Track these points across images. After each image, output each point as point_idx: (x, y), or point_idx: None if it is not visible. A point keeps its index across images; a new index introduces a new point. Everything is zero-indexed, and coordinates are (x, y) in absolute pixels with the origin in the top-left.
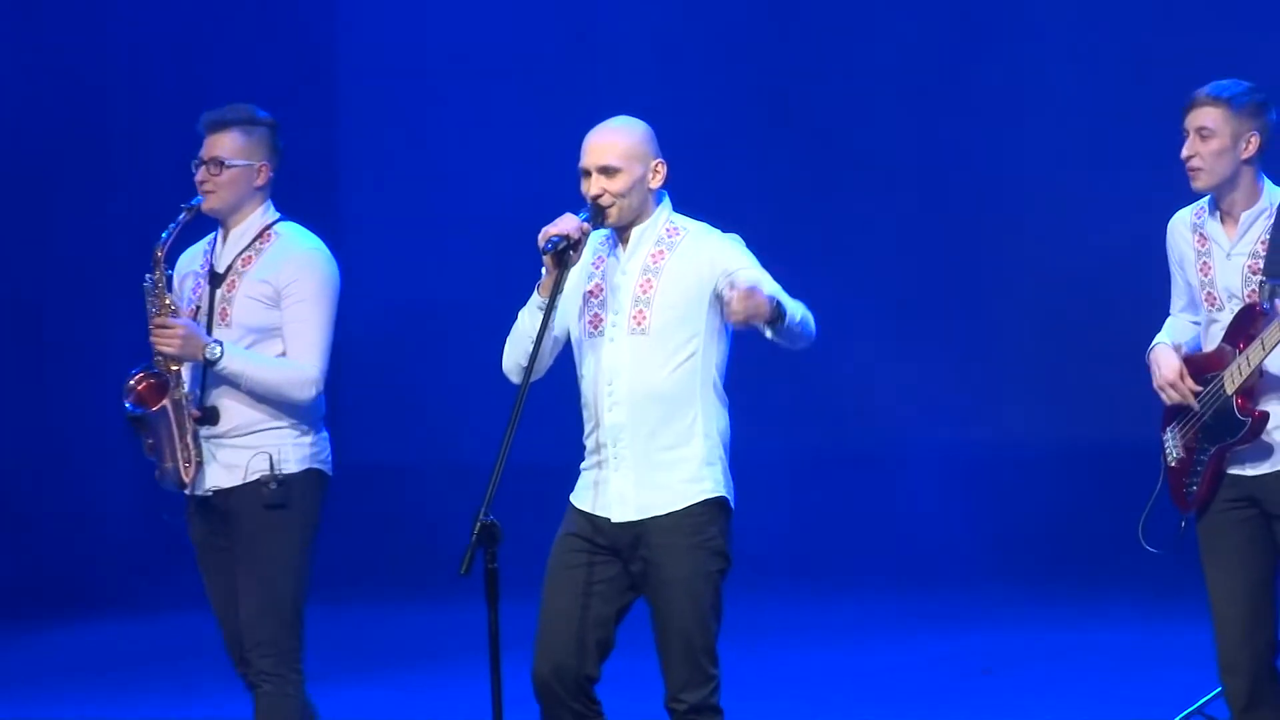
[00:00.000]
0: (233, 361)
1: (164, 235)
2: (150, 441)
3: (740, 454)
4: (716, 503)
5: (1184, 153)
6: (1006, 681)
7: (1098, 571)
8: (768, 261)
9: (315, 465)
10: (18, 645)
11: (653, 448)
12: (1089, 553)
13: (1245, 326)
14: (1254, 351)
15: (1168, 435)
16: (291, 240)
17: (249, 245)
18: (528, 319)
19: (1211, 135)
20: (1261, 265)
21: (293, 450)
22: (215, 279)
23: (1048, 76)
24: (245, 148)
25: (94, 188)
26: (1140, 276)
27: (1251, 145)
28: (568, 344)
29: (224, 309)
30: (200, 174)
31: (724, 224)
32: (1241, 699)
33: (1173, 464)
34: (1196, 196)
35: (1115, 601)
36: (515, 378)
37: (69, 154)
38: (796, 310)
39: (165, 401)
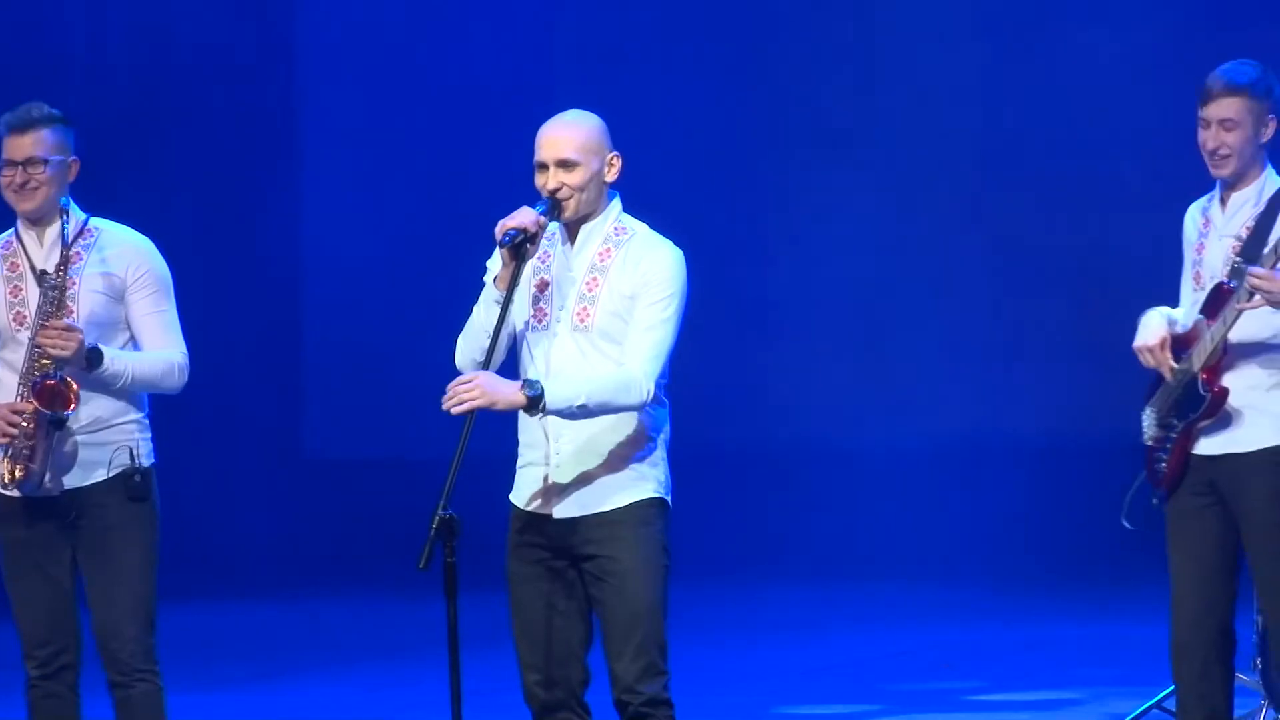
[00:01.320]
0: (114, 362)
1: (66, 238)
2: (29, 443)
3: (697, 449)
4: (659, 502)
5: (1209, 144)
6: (966, 675)
7: (1060, 565)
8: (729, 257)
9: (154, 459)
10: None
11: (595, 446)
12: (1050, 546)
13: (1217, 304)
14: (1217, 328)
15: (1146, 413)
16: (118, 234)
17: (72, 242)
18: (483, 312)
19: (1235, 126)
20: (1241, 246)
21: (144, 444)
22: (43, 277)
23: (1025, 76)
24: (59, 144)
25: None
26: (1114, 273)
27: (1270, 129)
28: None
29: (69, 306)
30: (19, 175)
31: (687, 216)
32: (1194, 691)
33: (1149, 442)
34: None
35: (1075, 595)
36: (467, 370)
37: None
38: (577, 395)
39: (74, 405)
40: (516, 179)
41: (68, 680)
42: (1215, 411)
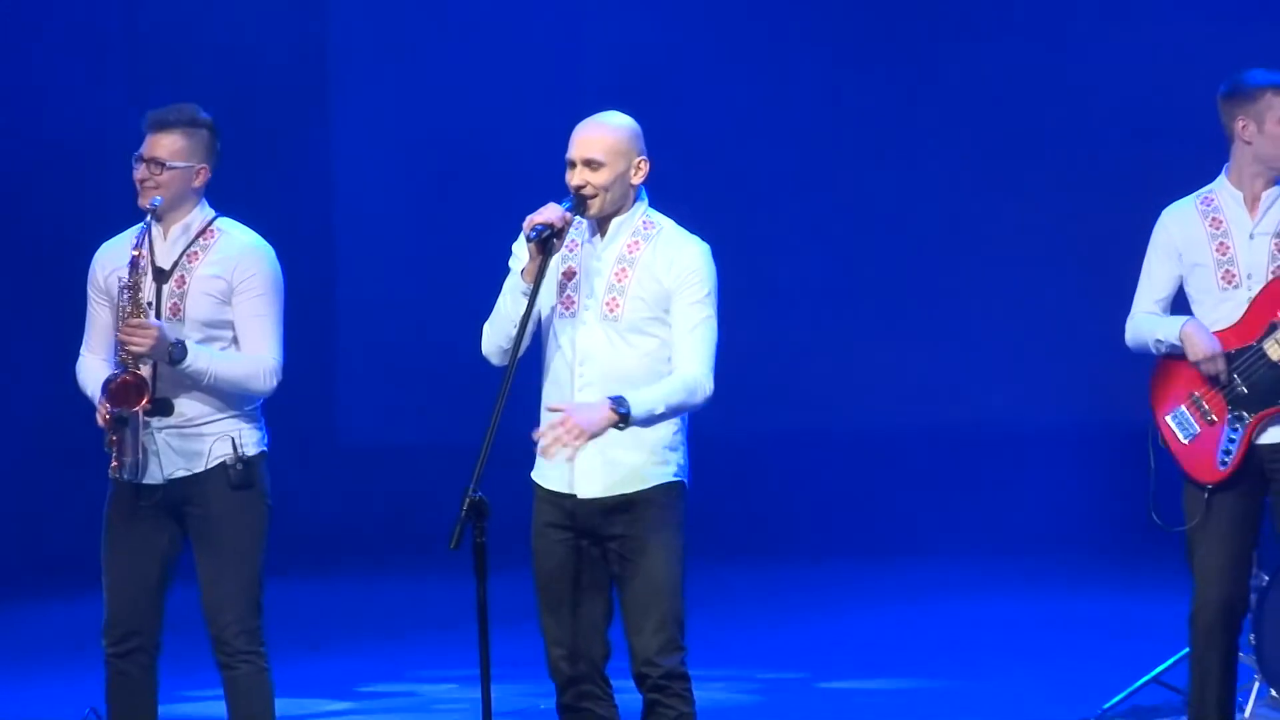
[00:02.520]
0: (197, 360)
1: (140, 237)
2: (114, 437)
3: (723, 432)
4: (679, 485)
5: (1271, 143)
6: (981, 646)
7: (1073, 546)
8: (751, 242)
9: (264, 448)
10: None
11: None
12: (1062, 528)
13: (1278, 298)
14: None
15: (1174, 416)
16: (237, 236)
17: (193, 242)
18: (509, 301)
19: (1268, 121)
20: None
21: (249, 434)
22: (161, 275)
23: (1037, 73)
24: (185, 149)
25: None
26: (1133, 262)
27: (1269, 125)
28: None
29: (175, 304)
30: (140, 171)
31: (712, 205)
32: (1215, 665)
33: (1185, 441)
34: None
35: (1088, 574)
36: (496, 360)
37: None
38: (656, 404)
39: (146, 401)
40: (545, 172)
41: (140, 662)
42: None
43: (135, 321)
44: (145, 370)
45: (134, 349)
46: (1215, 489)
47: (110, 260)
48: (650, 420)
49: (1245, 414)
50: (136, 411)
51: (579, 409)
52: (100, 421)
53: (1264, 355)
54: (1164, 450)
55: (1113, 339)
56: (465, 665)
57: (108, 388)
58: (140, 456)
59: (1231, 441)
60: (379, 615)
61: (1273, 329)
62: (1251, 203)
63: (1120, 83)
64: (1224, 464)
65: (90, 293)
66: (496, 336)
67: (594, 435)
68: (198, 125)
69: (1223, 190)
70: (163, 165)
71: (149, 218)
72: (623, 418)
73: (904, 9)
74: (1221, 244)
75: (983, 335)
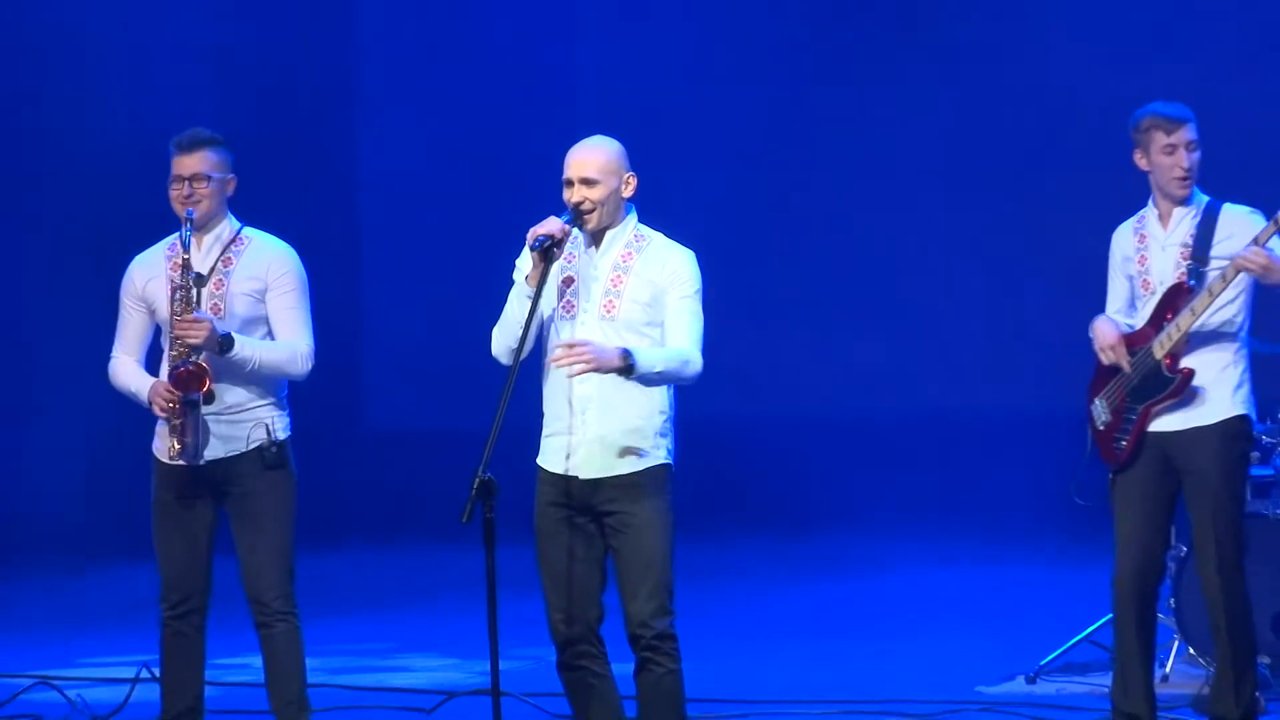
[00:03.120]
0: (243, 349)
1: (186, 242)
2: (177, 422)
3: (708, 419)
4: (667, 467)
5: (1184, 165)
6: (937, 611)
7: (1016, 520)
8: (733, 247)
9: (290, 433)
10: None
11: (616, 417)
12: (1009, 504)
13: (1173, 300)
14: (1184, 318)
15: (1096, 404)
16: (266, 242)
17: (226, 249)
18: (515, 306)
19: (1198, 147)
20: (1190, 251)
21: (280, 420)
22: (200, 280)
23: (1007, 82)
24: (219, 163)
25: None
26: (1067, 272)
27: (1156, 154)
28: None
29: (215, 305)
30: (184, 188)
31: (710, 208)
32: (1133, 623)
33: (1101, 427)
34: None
35: (1031, 546)
36: (505, 359)
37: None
38: (656, 363)
39: (207, 387)
40: (549, 181)
41: (194, 622)
42: (1181, 391)
43: (189, 317)
44: (203, 359)
45: (190, 341)
46: (1118, 470)
47: (147, 270)
48: (648, 376)
49: (1137, 405)
50: (201, 396)
51: (597, 345)
52: (161, 410)
53: (1151, 353)
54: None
55: (1062, 333)
56: (475, 626)
57: (175, 376)
58: (197, 440)
59: (1126, 429)
60: (398, 581)
61: (1160, 330)
62: (1165, 218)
63: (1085, 94)
64: (1119, 448)
65: (126, 300)
66: (505, 338)
67: (600, 370)
68: (220, 142)
69: (1150, 209)
70: (207, 178)
71: (188, 228)
72: (629, 367)
73: (874, 25)
74: (1143, 256)
75: (947, 331)
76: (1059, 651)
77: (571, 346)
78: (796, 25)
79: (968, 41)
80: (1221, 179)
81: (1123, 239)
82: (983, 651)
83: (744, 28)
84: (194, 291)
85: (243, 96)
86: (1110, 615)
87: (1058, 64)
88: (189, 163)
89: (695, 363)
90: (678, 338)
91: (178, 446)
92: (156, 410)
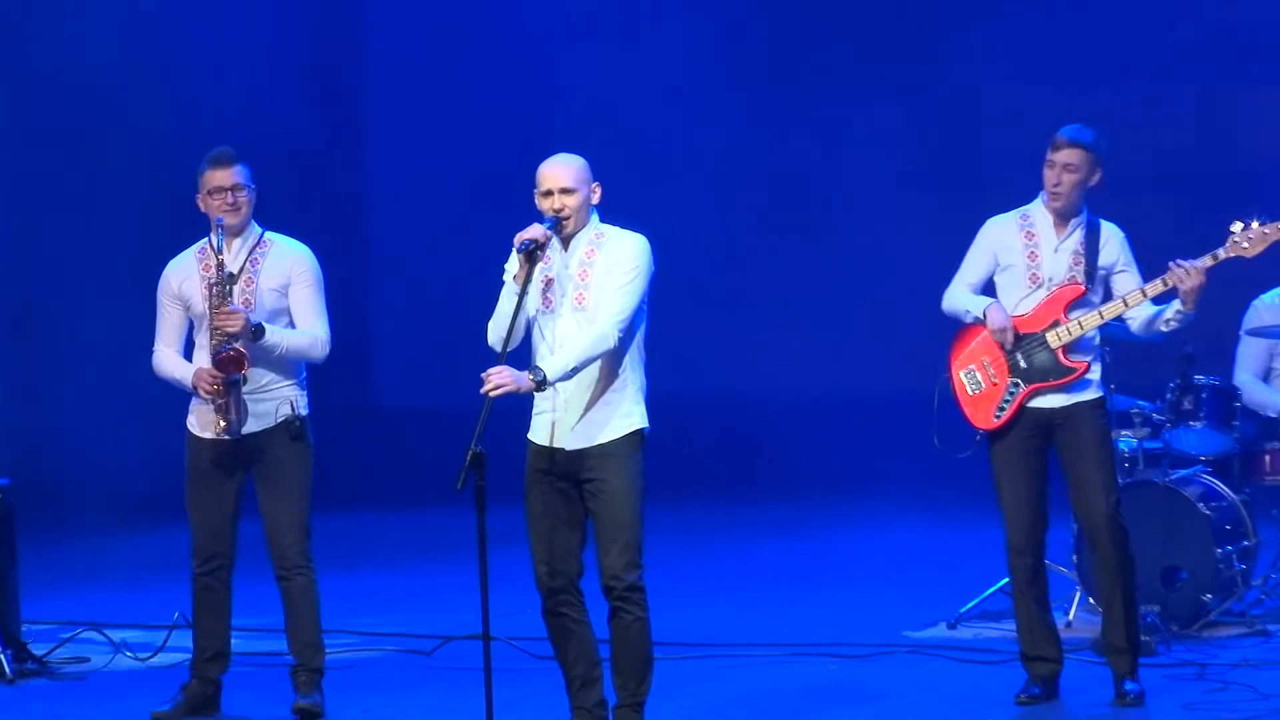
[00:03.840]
0: (273, 335)
1: (219, 245)
2: (222, 401)
3: (680, 394)
4: (641, 432)
5: (1052, 180)
6: (870, 566)
7: (937, 484)
8: (690, 249)
9: (310, 410)
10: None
11: (593, 393)
12: (930, 471)
13: (1066, 299)
14: (1089, 318)
15: (965, 373)
16: (287, 244)
17: (252, 251)
18: (506, 302)
19: (1075, 171)
20: (1084, 260)
21: (301, 398)
22: (231, 278)
23: (930, 100)
24: (247, 175)
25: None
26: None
27: (1096, 178)
28: None
29: (246, 299)
30: (225, 198)
31: (659, 215)
32: (1026, 574)
33: (973, 393)
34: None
35: (950, 507)
36: (497, 348)
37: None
38: (568, 363)
39: (245, 370)
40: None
41: (222, 577)
42: (1074, 379)
43: (226, 310)
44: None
45: (228, 329)
46: (991, 435)
47: (181, 272)
48: (567, 374)
49: (1021, 383)
50: (242, 377)
51: (511, 370)
52: (206, 391)
53: (1045, 342)
54: (949, 396)
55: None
56: (468, 579)
57: (218, 360)
58: (239, 416)
59: (1007, 401)
60: (401, 541)
61: (1055, 325)
62: (1059, 225)
63: (1011, 113)
64: (998, 416)
65: (164, 299)
66: (497, 330)
67: (517, 391)
68: (242, 159)
69: (1039, 211)
70: (245, 188)
71: (219, 233)
72: (539, 382)
73: (827, 50)
74: (1033, 253)
75: (880, 319)
76: (975, 601)
77: (488, 375)
78: (759, 48)
79: (908, 68)
80: (1132, 191)
81: (1004, 231)
82: (910, 602)
83: (712, 48)
84: (228, 288)
85: (262, 99)
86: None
87: (986, 88)
88: (229, 175)
89: (607, 338)
90: (601, 314)
91: (224, 423)
92: (202, 392)
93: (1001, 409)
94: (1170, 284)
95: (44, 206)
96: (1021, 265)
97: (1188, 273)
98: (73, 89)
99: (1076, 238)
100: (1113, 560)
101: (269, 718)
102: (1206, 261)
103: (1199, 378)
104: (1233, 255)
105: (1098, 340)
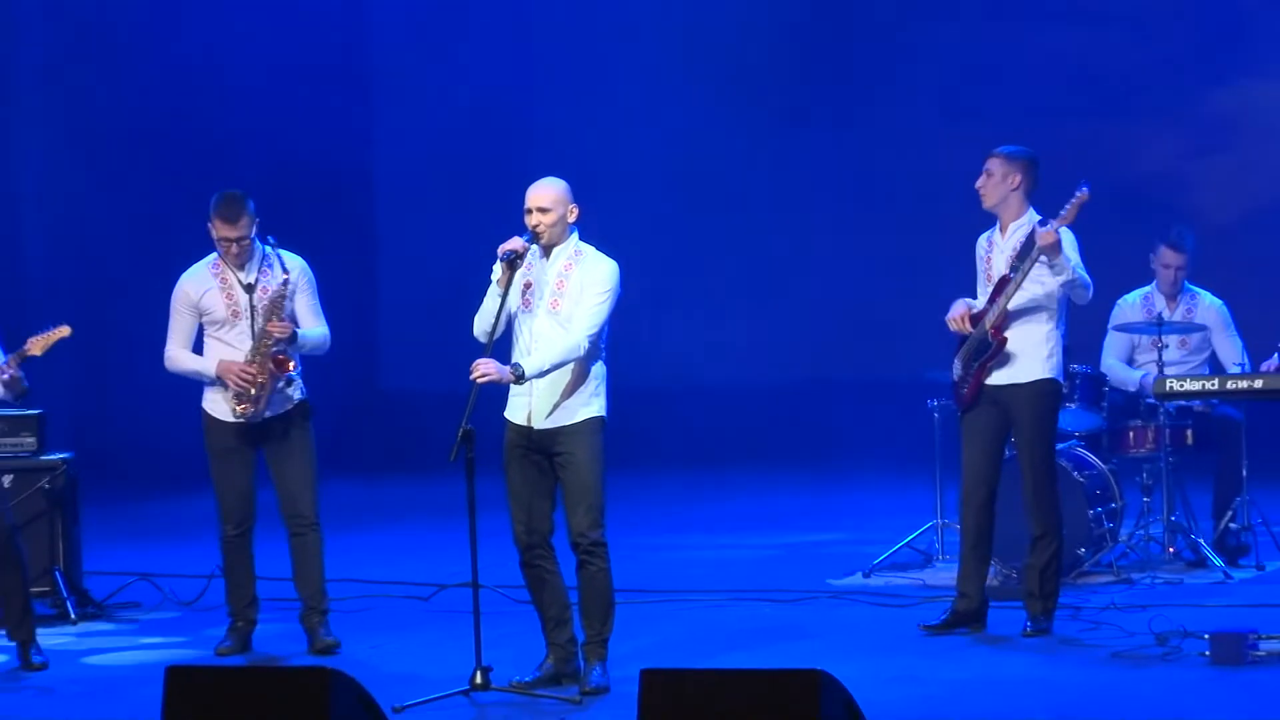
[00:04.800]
0: (301, 337)
1: (215, 266)
2: (256, 393)
3: (636, 384)
4: (601, 419)
5: (978, 185)
6: (787, 526)
7: (860, 461)
8: (655, 257)
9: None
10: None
11: (561, 381)
12: (847, 448)
13: (1002, 287)
14: (1003, 299)
15: (955, 362)
16: (288, 258)
17: (260, 266)
18: (490, 302)
19: (991, 174)
20: (1017, 254)
21: (302, 385)
22: (249, 289)
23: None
24: (252, 218)
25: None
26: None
27: (1015, 180)
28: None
29: (256, 306)
30: (234, 248)
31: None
32: (971, 528)
33: (955, 377)
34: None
35: (862, 477)
36: (482, 340)
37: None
38: (544, 364)
39: (289, 369)
40: (522, 192)
41: (246, 538)
42: (998, 353)
43: (284, 323)
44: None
45: (280, 336)
46: (965, 410)
47: (199, 284)
48: (541, 373)
49: (974, 363)
50: (284, 375)
51: (495, 363)
52: (238, 384)
53: (983, 325)
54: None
55: (907, 318)
56: (459, 537)
57: (278, 361)
58: (264, 405)
59: (967, 380)
60: (399, 504)
61: (991, 310)
62: (1003, 228)
63: (945, 130)
64: (962, 394)
65: (180, 306)
66: (482, 325)
67: (498, 380)
68: (248, 201)
69: (999, 223)
70: (248, 237)
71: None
72: (518, 377)
73: (774, 71)
74: (989, 257)
75: (816, 317)
76: (886, 555)
77: (477, 365)
78: (715, 73)
79: (844, 100)
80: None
81: (980, 245)
82: (831, 555)
83: (680, 73)
84: (280, 304)
85: (279, 103)
86: (929, 524)
87: (924, 108)
88: (234, 229)
89: (578, 347)
90: (574, 326)
91: (247, 409)
92: (233, 383)
93: (963, 386)
94: (1041, 246)
95: (106, 211)
96: (983, 267)
97: (1043, 236)
98: (130, 99)
99: (1017, 237)
100: (1045, 522)
101: (288, 652)
102: (1054, 225)
103: (1074, 366)
104: (1068, 221)
105: (1053, 328)
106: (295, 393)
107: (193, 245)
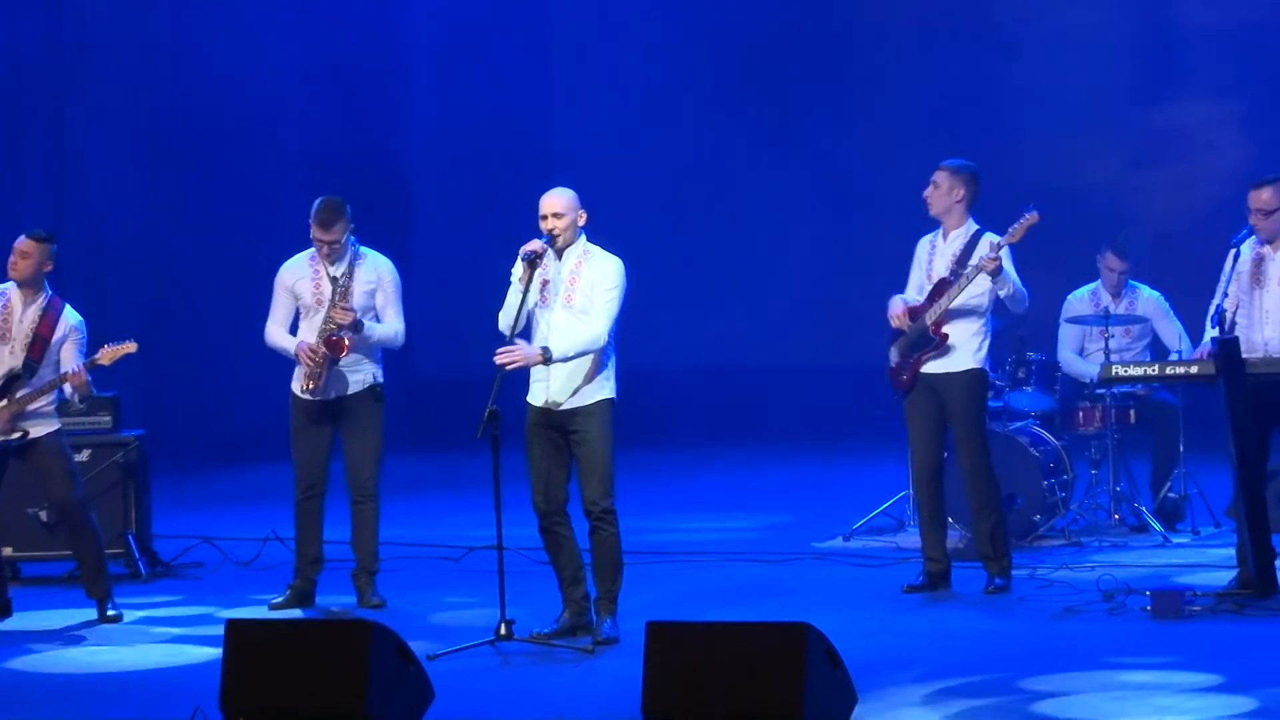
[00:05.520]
0: (368, 329)
1: (314, 260)
2: (317, 371)
3: (643, 369)
4: (611, 400)
5: (925, 195)
6: (775, 496)
7: (840, 435)
8: (649, 252)
9: (384, 380)
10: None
11: (575, 367)
12: (827, 424)
13: (942, 288)
14: (944, 300)
15: (891, 351)
16: (374, 257)
17: (351, 264)
18: (512, 298)
19: (936, 186)
20: (957, 260)
21: (378, 372)
22: (335, 282)
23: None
24: (346, 224)
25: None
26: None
27: (959, 193)
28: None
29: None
30: (326, 249)
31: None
32: (926, 502)
33: (893, 365)
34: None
35: (843, 451)
36: (506, 332)
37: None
38: (568, 350)
39: (346, 352)
40: (565, 171)
41: (317, 503)
42: (939, 347)
43: (345, 305)
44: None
45: (341, 321)
46: (905, 393)
47: (295, 273)
48: (566, 358)
49: (914, 353)
50: (340, 356)
51: (526, 346)
52: (308, 361)
53: (924, 320)
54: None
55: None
56: (485, 504)
57: (327, 342)
58: (329, 384)
59: (905, 367)
60: (433, 478)
61: (932, 308)
62: (945, 234)
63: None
64: (901, 380)
65: (279, 289)
66: (505, 319)
67: (527, 363)
68: (346, 208)
69: (941, 229)
70: (339, 242)
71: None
72: (546, 359)
73: (764, 81)
74: (931, 259)
75: (795, 308)
76: (863, 521)
77: (505, 352)
78: (715, 95)
79: (827, 107)
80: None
81: (922, 246)
82: (815, 521)
83: (680, 79)
84: (346, 291)
85: (319, 107)
86: (901, 494)
87: (894, 125)
88: (328, 234)
89: (599, 338)
90: (593, 320)
91: (311, 386)
92: (303, 360)
93: (903, 372)
94: (982, 267)
95: (174, 206)
96: (924, 268)
97: (988, 260)
98: (180, 101)
99: (957, 244)
100: (977, 494)
101: (341, 606)
102: (998, 247)
103: (1030, 354)
104: (1014, 240)
105: (984, 323)
106: (369, 377)
107: (250, 243)
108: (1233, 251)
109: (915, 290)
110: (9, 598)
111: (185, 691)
